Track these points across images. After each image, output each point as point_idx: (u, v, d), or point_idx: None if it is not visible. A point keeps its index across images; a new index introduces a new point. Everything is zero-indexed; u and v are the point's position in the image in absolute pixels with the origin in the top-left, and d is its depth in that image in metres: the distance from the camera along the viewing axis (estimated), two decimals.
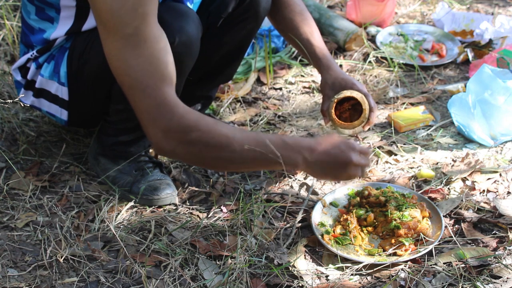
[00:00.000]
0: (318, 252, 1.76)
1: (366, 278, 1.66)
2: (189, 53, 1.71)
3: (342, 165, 1.53)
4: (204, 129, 1.43)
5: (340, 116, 1.96)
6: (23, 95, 1.90)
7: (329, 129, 2.29)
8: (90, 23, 1.75)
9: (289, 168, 1.50)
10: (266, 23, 2.76)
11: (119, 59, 1.40)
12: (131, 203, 1.91)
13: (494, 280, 1.63)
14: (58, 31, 1.78)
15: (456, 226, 1.85)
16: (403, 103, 2.46)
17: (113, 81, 1.49)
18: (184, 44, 1.66)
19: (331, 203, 1.92)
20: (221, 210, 1.91)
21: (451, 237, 1.78)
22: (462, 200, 1.91)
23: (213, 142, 1.44)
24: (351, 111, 1.97)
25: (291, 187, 2.03)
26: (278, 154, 1.44)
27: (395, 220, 1.76)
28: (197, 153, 1.45)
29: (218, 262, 1.71)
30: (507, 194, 1.97)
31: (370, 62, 2.71)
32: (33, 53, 1.85)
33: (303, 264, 1.71)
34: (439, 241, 1.75)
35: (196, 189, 2.00)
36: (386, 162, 2.14)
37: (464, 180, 2.02)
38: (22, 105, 1.89)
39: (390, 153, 2.19)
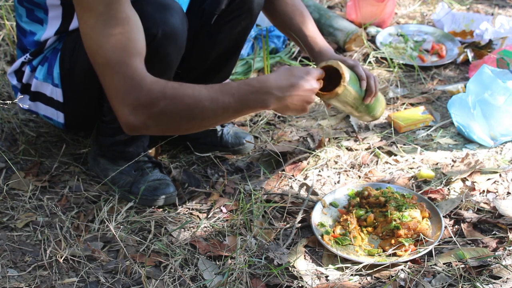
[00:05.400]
0: (318, 253, 1.76)
1: (366, 279, 1.66)
2: (174, 45, 1.70)
3: (307, 92, 1.60)
4: (171, 96, 1.44)
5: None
6: (21, 97, 1.91)
7: (329, 129, 2.29)
8: (76, 22, 1.76)
9: (260, 110, 1.58)
10: (267, 23, 2.77)
11: (92, 37, 1.42)
12: (131, 203, 1.91)
13: (493, 281, 1.63)
14: (48, 32, 1.79)
15: (456, 226, 1.85)
16: (403, 104, 2.47)
17: None
18: (168, 36, 1.66)
19: (331, 204, 1.92)
20: (221, 211, 1.91)
21: (451, 237, 1.78)
22: (462, 201, 1.91)
23: (182, 106, 1.45)
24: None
25: (291, 187, 2.03)
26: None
27: (395, 220, 1.76)
28: (168, 121, 1.46)
29: (218, 263, 1.71)
30: (507, 194, 1.97)
31: (370, 62, 2.71)
32: (26, 56, 1.86)
33: (303, 264, 1.71)
34: (439, 241, 1.75)
35: (196, 189, 2.00)
36: (386, 162, 2.14)
37: (464, 180, 2.02)
38: (22, 106, 1.89)
39: (390, 153, 2.19)
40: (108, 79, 1.43)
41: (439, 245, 1.75)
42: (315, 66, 1.87)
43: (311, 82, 1.61)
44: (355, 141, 2.26)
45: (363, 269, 1.67)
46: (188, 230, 1.84)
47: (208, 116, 1.49)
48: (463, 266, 1.67)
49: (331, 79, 1.73)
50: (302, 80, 1.59)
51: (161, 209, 1.92)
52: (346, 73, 1.73)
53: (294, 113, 1.65)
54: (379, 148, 2.20)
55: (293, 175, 2.08)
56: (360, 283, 1.65)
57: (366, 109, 1.94)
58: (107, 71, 1.43)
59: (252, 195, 1.92)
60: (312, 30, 2.00)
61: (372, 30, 3.02)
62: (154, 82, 1.43)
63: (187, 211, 1.93)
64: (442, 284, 1.62)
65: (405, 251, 1.71)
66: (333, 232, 1.79)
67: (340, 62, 1.74)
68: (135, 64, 1.43)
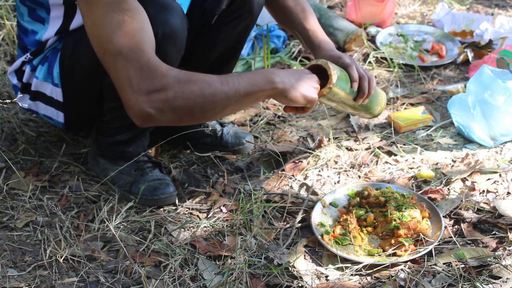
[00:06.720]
0: (318, 253, 1.77)
1: (366, 279, 1.66)
2: (174, 45, 1.70)
3: (309, 80, 1.66)
4: (184, 79, 1.45)
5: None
6: (21, 96, 1.91)
7: (329, 129, 2.29)
8: (77, 21, 1.77)
9: (270, 92, 1.58)
10: (267, 22, 2.76)
11: (102, 26, 1.41)
12: (131, 203, 1.91)
13: (493, 281, 1.63)
14: (49, 31, 1.79)
15: (456, 226, 1.85)
16: (403, 104, 2.47)
17: (103, 75, 1.49)
18: (168, 36, 1.66)
19: (330, 204, 1.92)
20: (221, 210, 1.91)
21: (451, 237, 1.78)
22: (462, 201, 1.91)
23: (195, 88, 1.46)
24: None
25: (291, 187, 2.03)
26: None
27: (395, 220, 1.76)
28: (183, 105, 1.46)
29: (217, 262, 1.71)
30: (507, 194, 1.97)
31: (370, 62, 2.71)
32: (27, 56, 1.86)
33: (302, 264, 1.71)
34: (439, 241, 1.75)
35: (196, 189, 2.00)
36: (386, 162, 2.14)
37: (464, 180, 2.02)
38: (22, 105, 1.89)
39: (390, 153, 2.19)
40: (120, 67, 1.42)
41: (439, 245, 1.75)
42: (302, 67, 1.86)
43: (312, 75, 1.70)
44: (355, 141, 2.26)
45: (363, 269, 1.67)
46: (188, 230, 1.84)
47: (220, 98, 1.50)
48: (463, 266, 1.67)
49: (324, 78, 1.73)
50: (304, 72, 1.69)
51: (161, 209, 1.92)
52: (334, 74, 1.71)
53: (305, 93, 1.64)
54: (379, 148, 2.20)
55: (293, 175, 2.08)
56: (360, 283, 1.65)
57: (362, 108, 1.91)
58: (119, 60, 1.41)
59: (252, 195, 1.92)
60: (313, 25, 2.00)
61: (372, 30, 3.02)
62: (169, 68, 1.44)
63: (187, 211, 1.93)
64: (442, 284, 1.62)
65: (405, 251, 1.71)
66: (333, 232, 1.79)
67: (329, 62, 1.73)
68: (149, 52, 1.43)
